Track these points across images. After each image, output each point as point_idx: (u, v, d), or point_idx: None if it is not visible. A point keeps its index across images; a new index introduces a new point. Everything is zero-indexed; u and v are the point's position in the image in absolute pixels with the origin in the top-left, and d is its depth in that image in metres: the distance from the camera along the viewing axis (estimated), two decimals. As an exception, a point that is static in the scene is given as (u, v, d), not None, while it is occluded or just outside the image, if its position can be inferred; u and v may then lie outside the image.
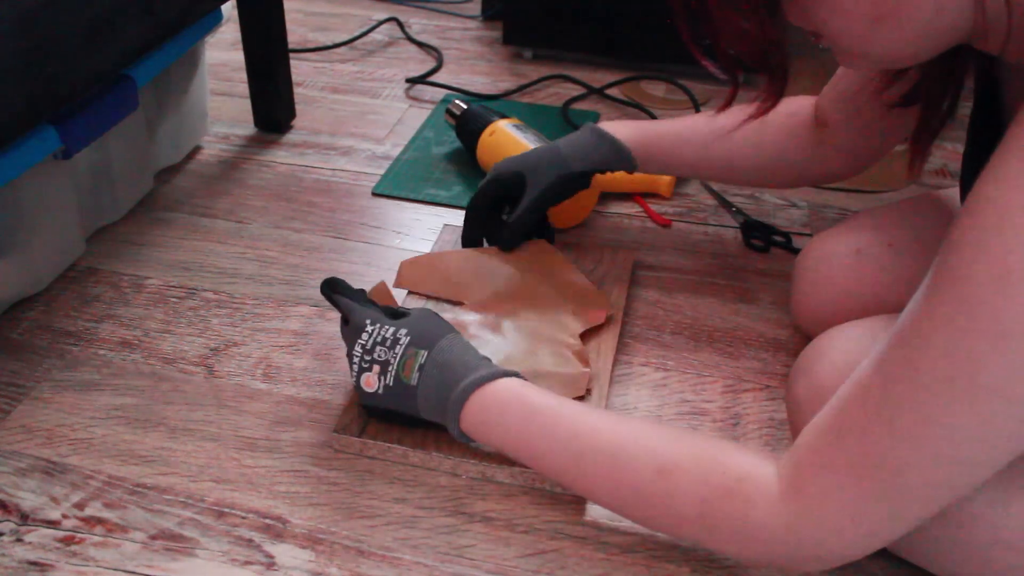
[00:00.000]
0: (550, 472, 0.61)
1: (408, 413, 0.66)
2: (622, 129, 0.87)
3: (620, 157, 0.86)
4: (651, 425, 0.59)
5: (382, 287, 0.77)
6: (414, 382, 0.65)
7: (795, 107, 0.85)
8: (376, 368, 0.66)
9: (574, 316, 0.81)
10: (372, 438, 0.70)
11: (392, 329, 0.67)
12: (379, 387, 0.66)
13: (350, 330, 0.69)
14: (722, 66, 0.58)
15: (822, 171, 0.86)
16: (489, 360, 0.66)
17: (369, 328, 0.67)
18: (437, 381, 0.64)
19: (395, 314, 0.70)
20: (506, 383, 0.63)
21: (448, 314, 0.82)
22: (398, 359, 0.66)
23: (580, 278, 0.86)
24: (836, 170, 0.85)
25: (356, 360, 0.67)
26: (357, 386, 0.68)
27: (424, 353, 0.65)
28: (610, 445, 0.58)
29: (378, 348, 0.66)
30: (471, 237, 0.89)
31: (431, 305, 0.84)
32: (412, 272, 0.86)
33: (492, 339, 0.79)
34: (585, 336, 0.81)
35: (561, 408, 0.61)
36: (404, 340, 0.66)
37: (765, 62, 0.58)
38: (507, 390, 0.63)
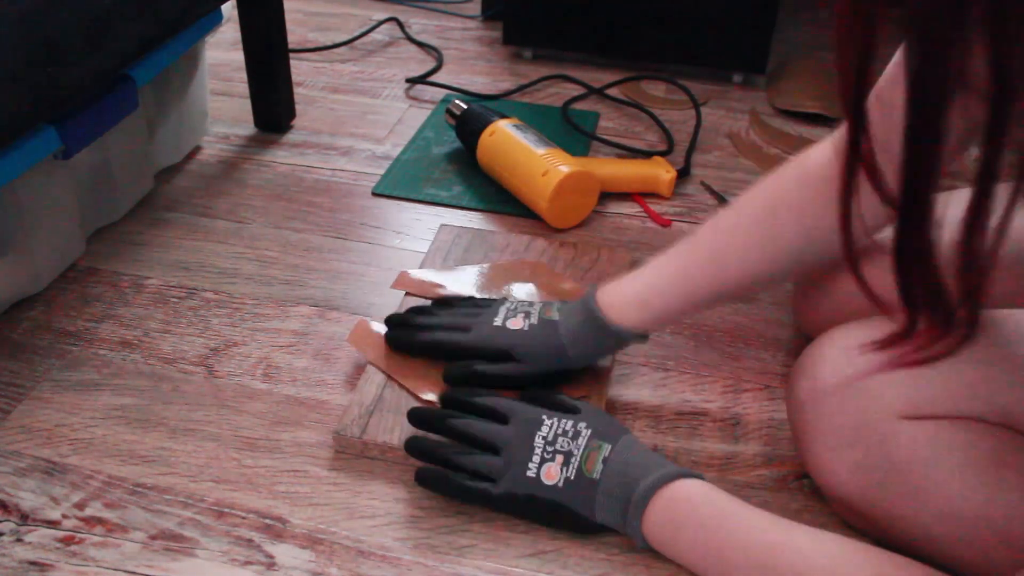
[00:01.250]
0: None
1: (580, 513, 0.63)
2: (624, 303, 0.70)
3: (625, 342, 0.72)
4: (849, 549, 0.55)
5: (363, 325, 0.79)
6: (596, 476, 0.62)
7: (809, 165, 0.67)
8: (560, 459, 0.63)
9: None
10: (373, 439, 0.70)
11: (571, 422, 0.65)
12: (560, 479, 0.63)
13: (523, 424, 0.66)
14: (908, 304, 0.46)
15: (860, 230, 0.65)
16: (668, 460, 0.64)
17: (547, 420, 0.65)
18: (620, 477, 0.61)
19: (564, 408, 0.68)
20: (693, 483, 0.60)
21: None
22: (581, 451, 0.63)
23: (575, 286, 0.86)
24: (873, 223, 0.61)
25: (538, 452, 0.64)
26: (528, 480, 0.63)
27: (608, 447, 0.63)
28: (808, 567, 0.54)
29: (560, 439, 0.64)
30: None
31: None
32: (409, 280, 0.87)
33: None
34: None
35: (753, 517, 0.58)
36: (585, 432, 0.64)
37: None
38: (696, 490, 0.60)
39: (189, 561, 0.63)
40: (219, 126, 1.20)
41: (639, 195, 1.06)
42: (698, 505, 0.59)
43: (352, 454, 0.71)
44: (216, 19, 1.03)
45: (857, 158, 0.46)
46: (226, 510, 0.67)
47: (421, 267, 0.90)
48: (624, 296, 0.70)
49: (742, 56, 1.33)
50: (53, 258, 0.88)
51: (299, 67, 1.36)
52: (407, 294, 0.85)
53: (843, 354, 0.63)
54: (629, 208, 1.04)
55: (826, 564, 0.54)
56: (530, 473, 0.63)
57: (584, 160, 1.06)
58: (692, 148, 1.16)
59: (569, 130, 1.20)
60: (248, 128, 1.19)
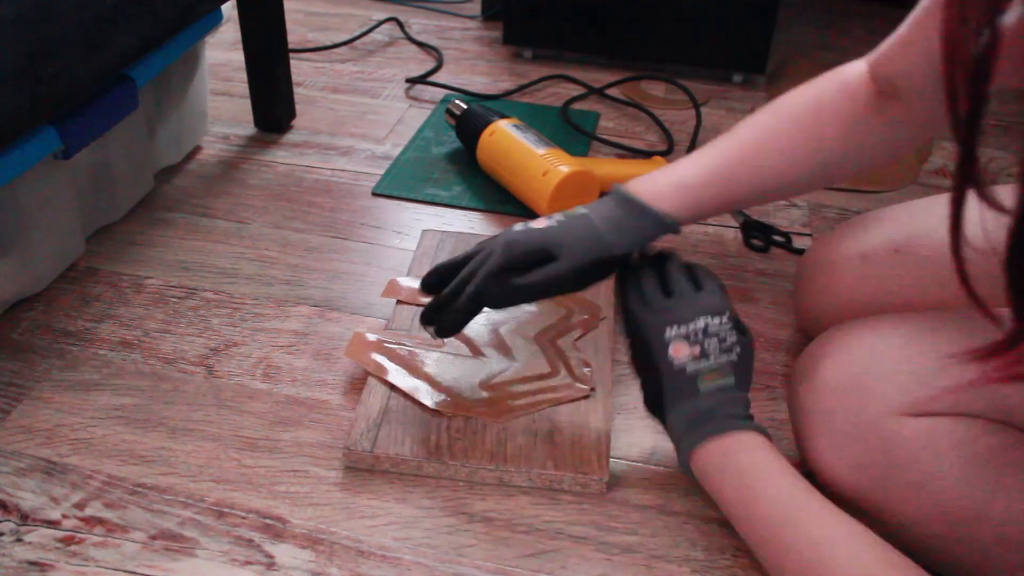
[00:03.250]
0: (750, 535, 0.60)
1: (666, 395, 0.63)
2: (659, 190, 0.69)
3: (665, 228, 0.69)
4: (869, 543, 0.55)
5: (359, 337, 0.79)
6: (703, 389, 0.62)
7: (849, 78, 0.69)
8: (696, 350, 0.62)
9: (568, 321, 0.82)
10: (385, 451, 0.69)
11: (735, 340, 0.63)
12: (678, 361, 0.62)
13: (710, 294, 0.65)
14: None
15: (890, 151, 0.71)
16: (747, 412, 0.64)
17: (724, 318, 0.64)
18: (718, 402, 0.62)
19: (741, 328, 0.66)
20: (757, 437, 0.61)
21: None
22: (712, 363, 0.62)
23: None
24: (903, 146, 0.71)
25: (691, 328, 0.63)
26: (662, 337, 0.63)
27: (732, 380, 0.62)
28: (816, 550, 0.55)
29: (712, 339, 0.63)
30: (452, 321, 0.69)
31: None
32: (399, 287, 0.87)
33: (495, 350, 0.79)
34: (580, 337, 0.81)
35: (795, 485, 0.59)
36: (733, 356, 0.63)
37: None
38: (757, 442, 0.61)
39: (189, 561, 0.63)
40: (219, 126, 1.20)
41: (639, 195, 1.06)
42: (754, 449, 0.60)
43: (363, 469, 0.70)
44: (216, 19, 1.03)
45: (968, 178, 0.43)
46: (226, 510, 0.67)
47: (408, 275, 0.89)
48: (657, 184, 0.69)
49: (742, 56, 1.33)
50: (53, 258, 0.88)
51: (299, 67, 1.36)
52: (398, 302, 0.85)
53: (845, 354, 0.63)
54: (629, 208, 1.04)
55: (849, 542, 0.55)
56: (666, 335, 0.63)
57: (584, 160, 1.06)
58: (692, 148, 1.16)
59: (569, 130, 1.20)
60: (248, 128, 1.19)
